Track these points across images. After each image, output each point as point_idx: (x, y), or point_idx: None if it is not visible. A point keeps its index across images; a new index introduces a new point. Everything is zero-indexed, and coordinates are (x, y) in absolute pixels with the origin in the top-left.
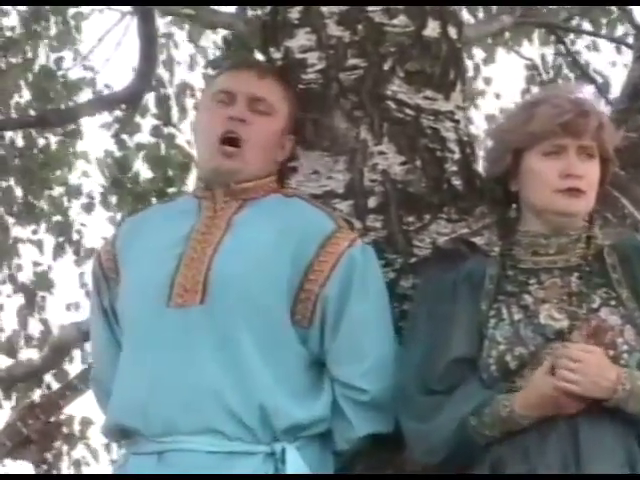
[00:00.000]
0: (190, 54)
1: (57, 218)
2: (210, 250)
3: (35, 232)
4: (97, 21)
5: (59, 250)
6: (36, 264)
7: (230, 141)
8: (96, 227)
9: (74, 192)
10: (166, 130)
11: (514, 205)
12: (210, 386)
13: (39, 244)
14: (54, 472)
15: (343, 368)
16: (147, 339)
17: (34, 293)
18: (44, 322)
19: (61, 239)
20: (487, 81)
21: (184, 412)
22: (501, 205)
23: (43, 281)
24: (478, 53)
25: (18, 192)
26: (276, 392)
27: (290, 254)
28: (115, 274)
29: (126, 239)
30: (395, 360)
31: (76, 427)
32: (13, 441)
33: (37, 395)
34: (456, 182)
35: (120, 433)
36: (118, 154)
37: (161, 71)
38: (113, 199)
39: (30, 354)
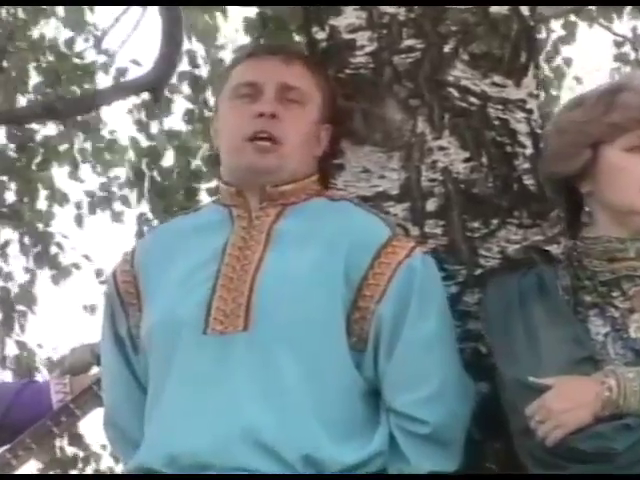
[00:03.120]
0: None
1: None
2: (251, 268)
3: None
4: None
5: (39, 262)
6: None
7: (262, 142)
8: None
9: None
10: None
11: (586, 209)
12: (249, 425)
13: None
14: None
15: (399, 395)
16: (180, 370)
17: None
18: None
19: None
20: (567, 62)
21: (217, 451)
22: (572, 210)
23: (24, 295)
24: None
25: (10, 191)
26: (325, 437)
27: (342, 268)
28: (135, 299)
29: (147, 256)
30: (459, 386)
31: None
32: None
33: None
34: (528, 182)
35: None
36: (146, 143)
37: (195, 46)
38: (133, 196)
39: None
